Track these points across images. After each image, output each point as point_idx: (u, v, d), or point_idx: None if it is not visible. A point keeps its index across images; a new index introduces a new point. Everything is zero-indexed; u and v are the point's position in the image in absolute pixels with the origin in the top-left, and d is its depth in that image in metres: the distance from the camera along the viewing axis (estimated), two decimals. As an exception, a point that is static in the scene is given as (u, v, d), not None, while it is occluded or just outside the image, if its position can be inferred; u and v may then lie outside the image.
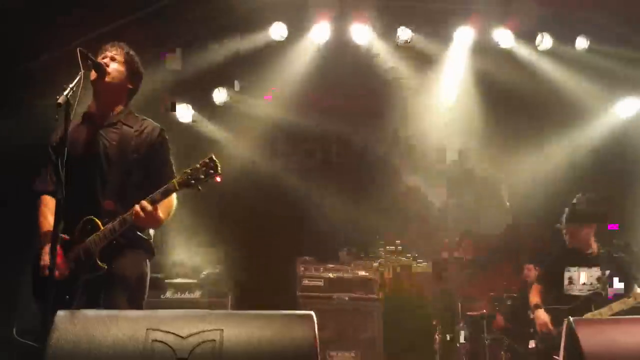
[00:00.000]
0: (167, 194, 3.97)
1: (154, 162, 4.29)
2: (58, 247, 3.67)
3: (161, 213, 4.06)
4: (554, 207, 7.33)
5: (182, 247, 7.93)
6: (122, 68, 4.34)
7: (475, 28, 8.26)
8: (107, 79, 4.23)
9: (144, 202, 3.92)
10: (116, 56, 4.34)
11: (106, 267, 3.97)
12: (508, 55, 8.36)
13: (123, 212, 4.04)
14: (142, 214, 3.92)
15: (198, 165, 3.88)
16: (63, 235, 3.97)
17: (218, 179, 3.94)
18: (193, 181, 3.88)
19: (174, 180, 3.94)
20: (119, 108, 4.38)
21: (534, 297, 6.33)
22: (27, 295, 4.11)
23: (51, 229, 4.01)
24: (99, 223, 4.02)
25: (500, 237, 7.98)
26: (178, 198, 4.30)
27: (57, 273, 3.65)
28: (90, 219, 4.04)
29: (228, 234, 8.33)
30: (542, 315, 6.07)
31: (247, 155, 8.98)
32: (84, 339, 2.75)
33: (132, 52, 4.43)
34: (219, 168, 3.89)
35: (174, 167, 4.35)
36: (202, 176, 3.87)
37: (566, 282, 6.21)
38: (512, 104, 8.64)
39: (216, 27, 8.31)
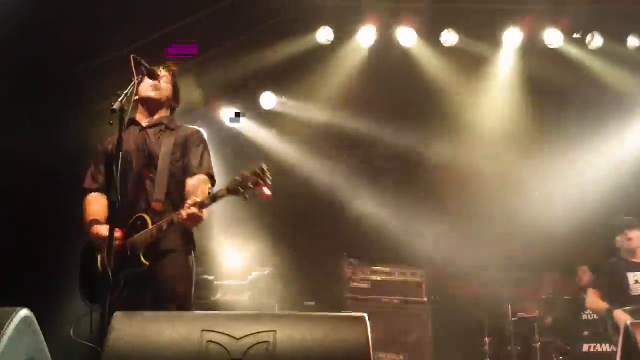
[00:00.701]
0: (215, 199, 4.04)
1: (191, 157, 4.44)
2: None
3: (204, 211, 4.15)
4: (607, 209, 7.24)
5: (231, 250, 8.01)
6: (169, 88, 4.66)
7: (524, 29, 8.15)
8: (158, 96, 4.56)
9: (193, 209, 4.00)
10: (165, 76, 4.63)
11: (148, 263, 4.07)
12: (556, 56, 8.21)
13: (169, 210, 4.18)
14: (189, 218, 4.01)
15: (248, 174, 3.92)
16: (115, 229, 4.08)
17: (267, 191, 3.96)
18: (241, 189, 3.93)
19: (224, 186, 4.00)
20: (162, 113, 4.61)
21: (598, 302, 6.29)
22: (80, 295, 4.22)
23: (94, 217, 4.26)
24: (149, 221, 4.13)
25: (552, 239, 7.84)
26: (229, 201, 4.37)
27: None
28: (141, 216, 4.14)
29: (276, 236, 8.38)
30: (622, 316, 6.01)
31: (294, 158, 9.01)
32: (140, 340, 2.80)
33: (175, 74, 4.73)
34: (269, 179, 3.92)
35: (211, 163, 4.49)
36: (251, 185, 3.91)
37: (632, 282, 6.14)
38: (561, 105, 8.51)
39: (263, 31, 8.35)
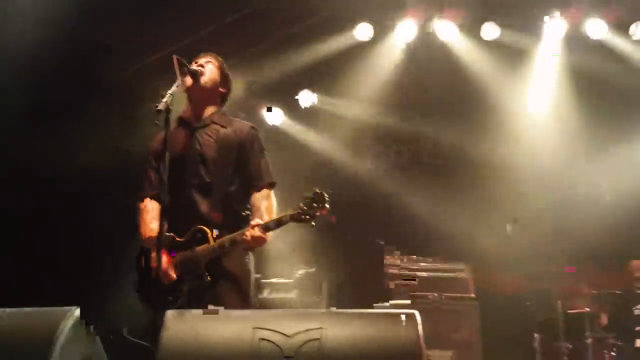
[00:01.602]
0: (280, 224, 3.99)
1: (248, 163, 4.36)
2: (164, 250, 3.83)
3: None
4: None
5: (277, 247, 8.03)
6: (215, 71, 4.47)
7: (568, 19, 8.02)
8: (202, 81, 4.35)
9: (257, 230, 3.97)
10: (210, 61, 4.49)
11: (210, 279, 4.06)
12: (601, 47, 8.07)
13: (228, 222, 4.16)
14: (253, 241, 4.00)
15: (309, 201, 3.89)
16: (173, 235, 4.10)
17: (326, 212, 3.93)
18: (306, 216, 3.90)
19: (289, 213, 3.95)
20: (211, 109, 4.48)
21: None
22: (135, 296, 4.26)
23: (153, 234, 4.17)
24: (210, 235, 4.09)
25: (602, 232, 7.70)
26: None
27: (163, 275, 3.82)
28: (201, 229, 4.13)
29: (322, 234, 8.38)
30: None
31: (336, 156, 9.01)
32: (193, 338, 2.83)
33: (222, 61, 4.57)
34: (327, 204, 3.90)
35: (269, 167, 4.42)
36: (314, 213, 3.88)
37: None
38: (606, 98, 8.35)
39: (302, 29, 8.37)
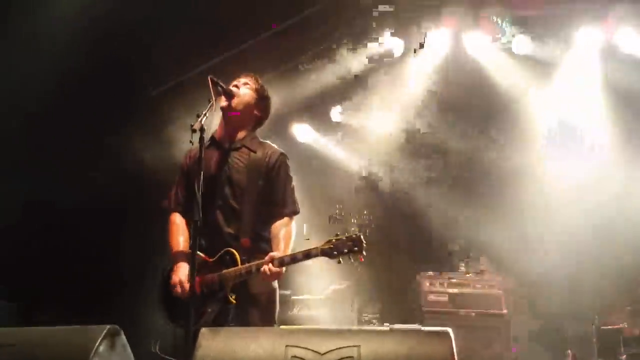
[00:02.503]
0: (308, 257, 3.97)
1: (274, 189, 4.35)
2: (181, 265, 3.87)
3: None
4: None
5: (308, 264, 8.04)
6: (252, 94, 4.46)
7: (603, 31, 7.94)
8: (232, 104, 4.35)
9: (275, 268, 3.95)
10: (249, 82, 4.49)
11: (235, 302, 4.06)
12: (635, 60, 7.97)
13: (257, 246, 4.19)
14: (270, 276, 3.98)
15: (344, 238, 3.86)
16: (203, 255, 4.13)
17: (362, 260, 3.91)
18: (335, 252, 3.87)
19: (319, 247, 3.93)
20: (244, 133, 4.47)
21: None
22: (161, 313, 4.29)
23: (181, 248, 4.22)
24: (238, 259, 4.09)
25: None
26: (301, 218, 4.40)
27: (187, 291, 3.84)
28: (230, 251, 4.14)
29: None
30: None
31: (366, 171, 9.01)
32: (226, 355, 2.84)
33: (262, 83, 4.56)
34: (364, 249, 3.85)
35: (294, 195, 4.41)
36: (345, 250, 3.84)
37: None
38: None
39: (333, 45, 8.42)
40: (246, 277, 4.06)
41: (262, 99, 4.54)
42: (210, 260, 4.15)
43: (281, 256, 4.00)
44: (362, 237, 3.87)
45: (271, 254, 4.01)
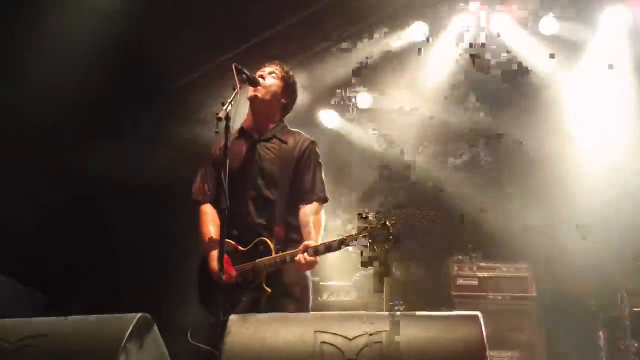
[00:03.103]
0: (343, 244, 3.96)
1: (302, 176, 4.38)
2: (226, 255, 3.87)
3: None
4: None
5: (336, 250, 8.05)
6: (278, 82, 4.49)
7: (631, 8, 7.75)
8: (259, 94, 4.38)
9: (310, 257, 3.96)
10: (275, 71, 4.50)
11: (270, 291, 4.07)
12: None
13: (290, 236, 4.21)
14: (305, 265, 3.99)
15: (378, 226, 3.83)
16: (235, 244, 4.16)
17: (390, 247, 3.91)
18: (370, 240, 3.82)
19: (353, 234, 3.90)
20: (273, 123, 4.51)
21: None
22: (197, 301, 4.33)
23: (213, 236, 4.24)
24: (272, 247, 4.11)
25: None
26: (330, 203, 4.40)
27: (226, 276, 3.84)
28: (264, 240, 4.16)
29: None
30: None
31: (394, 157, 8.97)
32: (256, 342, 2.87)
33: (288, 70, 4.58)
34: (392, 239, 3.82)
35: (323, 183, 4.41)
36: (378, 237, 3.81)
37: None
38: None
39: (358, 30, 8.38)
40: (280, 266, 4.08)
41: (288, 86, 4.56)
42: (244, 249, 4.17)
43: (316, 245, 4.00)
44: (389, 225, 3.84)
45: (305, 242, 4.02)
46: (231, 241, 4.14)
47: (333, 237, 4.00)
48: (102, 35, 6.34)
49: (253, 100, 4.40)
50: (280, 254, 4.08)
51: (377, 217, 3.89)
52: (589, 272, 7.57)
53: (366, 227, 3.87)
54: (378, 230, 3.82)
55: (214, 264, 4.09)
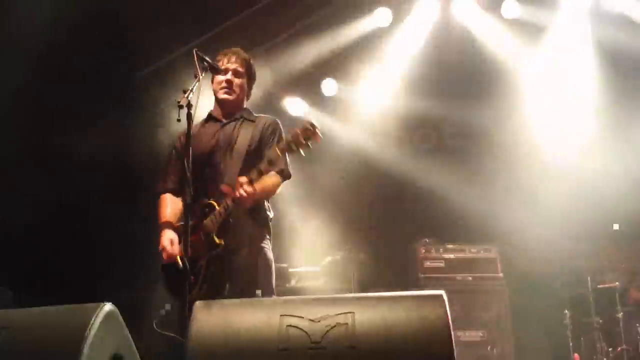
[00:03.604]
0: (272, 162, 4.06)
1: (266, 146, 4.40)
2: (176, 234, 3.91)
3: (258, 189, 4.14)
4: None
5: (303, 236, 8.07)
6: (244, 81, 4.57)
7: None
8: (232, 97, 4.50)
9: (244, 187, 4.03)
10: (238, 69, 4.54)
11: (223, 242, 4.12)
12: (624, 20, 7.90)
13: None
14: (246, 197, 4.04)
15: (298, 131, 3.97)
16: (177, 225, 4.19)
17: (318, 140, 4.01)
18: (294, 145, 3.98)
19: (276, 147, 4.04)
20: (240, 109, 4.59)
21: None
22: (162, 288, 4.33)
23: (166, 219, 4.29)
24: (214, 203, 4.18)
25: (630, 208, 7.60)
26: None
27: (169, 253, 3.90)
28: (208, 203, 4.19)
29: (347, 221, 8.41)
30: None
31: (360, 144, 8.99)
32: (222, 327, 2.85)
33: (249, 59, 4.63)
34: (318, 130, 3.97)
35: (287, 158, 4.39)
36: (302, 140, 3.96)
37: None
38: (632, 73, 8.18)
39: (321, 18, 8.37)
40: (226, 213, 4.13)
41: (251, 77, 4.65)
42: (193, 222, 4.17)
43: (247, 176, 4.06)
44: (311, 121, 4.01)
45: (238, 178, 4.08)
46: (178, 224, 4.18)
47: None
48: (62, 20, 6.26)
49: (222, 102, 4.51)
50: (222, 204, 4.14)
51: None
52: (553, 253, 7.68)
53: (286, 137, 4.05)
54: (297, 134, 3.97)
55: (164, 241, 4.15)
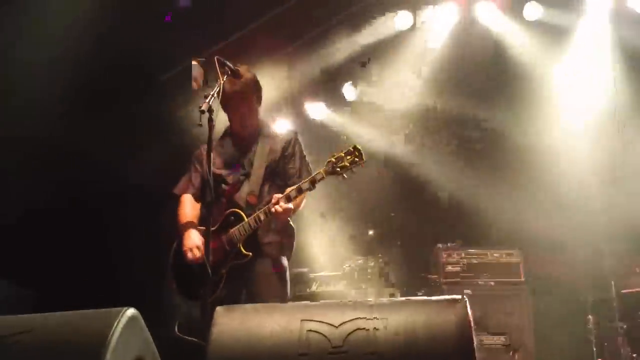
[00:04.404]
0: (314, 183, 4.14)
1: (289, 164, 4.52)
2: (201, 236, 3.93)
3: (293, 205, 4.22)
4: None
5: (324, 241, 8.07)
6: (254, 105, 4.60)
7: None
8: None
9: (278, 207, 4.10)
10: (245, 94, 4.53)
11: (251, 254, 4.14)
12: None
13: (262, 205, 4.26)
14: (282, 213, 4.07)
15: (342, 154, 4.06)
16: (202, 228, 4.20)
17: (362, 164, 4.07)
18: (338, 169, 4.00)
19: (321, 170, 4.10)
20: (255, 123, 4.63)
21: None
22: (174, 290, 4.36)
23: (188, 219, 4.32)
24: (243, 215, 4.20)
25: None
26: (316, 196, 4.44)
27: (193, 256, 3.90)
28: (234, 212, 4.23)
29: (368, 225, 8.40)
30: None
31: (382, 147, 8.97)
32: (242, 332, 2.85)
33: (254, 77, 4.61)
34: (363, 155, 4.05)
35: (310, 169, 4.52)
36: (347, 164, 4.00)
37: None
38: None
39: (341, 23, 8.37)
40: (256, 226, 4.20)
41: (258, 94, 4.66)
42: (214, 227, 4.21)
43: (285, 192, 4.14)
44: (357, 146, 4.09)
45: (274, 195, 4.16)
46: (201, 227, 4.20)
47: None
48: (86, 29, 6.31)
49: (233, 95, 4.42)
50: (253, 215, 4.20)
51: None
52: (576, 257, 7.61)
53: (330, 160, 4.08)
54: (343, 157, 4.04)
55: (187, 242, 4.17)
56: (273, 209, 4.09)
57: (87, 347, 2.79)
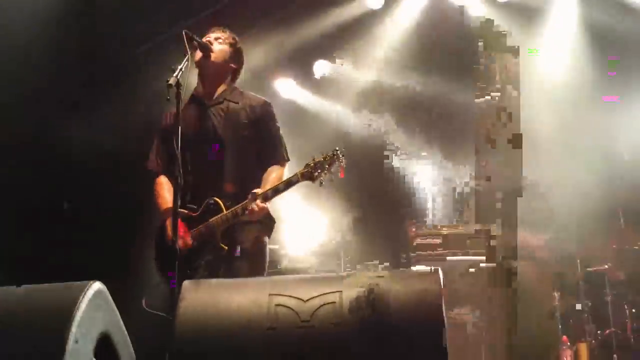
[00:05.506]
0: (289, 185, 4.08)
1: (263, 138, 4.42)
2: (181, 221, 3.87)
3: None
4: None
5: (295, 218, 8.06)
6: (226, 48, 4.49)
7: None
8: (211, 58, 4.36)
9: (254, 205, 4.04)
10: (220, 37, 4.49)
11: (227, 248, 4.11)
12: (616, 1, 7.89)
13: (242, 193, 4.17)
14: (256, 209, 4.04)
15: (322, 158, 4.00)
16: (185, 211, 4.15)
17: (340, 174, 4.01)
18: (316, 174, 3.96)
19: (297, 172, 4.04)
20: (224, 86, 4.52)
21: None
22: (152, 269, 4.32)
23: (169, 205, 4.23)
24: (222, 205, 4.15)
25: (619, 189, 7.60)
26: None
27: (181, 242, 3.84)
28: (213, 200, 4.17)
29: (336, 203, 8.40)
30: None
31: (351, 125, 8.97)
32: (210, 307, 2.83)
33: (233, 35, 4.58)
34: (344, 162, 4.01)
35: (284, 144, 4.46)
36: (325, 168, 3.97)
37: None
38: (623, 52, 8.17)
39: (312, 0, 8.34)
40: (233, 221, 4.13)
41: (236, 50, 4.56)
42: (195, 214, 4.17)
43: (263, 191, 4.09)
44: (338, 152, 4.02)
45: (253, 191, 4.09)
46: (184, 210, 4.13)
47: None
48: (55, 10, 6.22)
49: (202, 63, 4.36)
50: (231, 209, 4.12)
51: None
52: (544, 235, 7.67)
53: (309, 164, 4.02)
54: (322, 162, 3.98)
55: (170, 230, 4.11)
56: (250, 207, 4.04)
57: (51, 322, 2.75)
